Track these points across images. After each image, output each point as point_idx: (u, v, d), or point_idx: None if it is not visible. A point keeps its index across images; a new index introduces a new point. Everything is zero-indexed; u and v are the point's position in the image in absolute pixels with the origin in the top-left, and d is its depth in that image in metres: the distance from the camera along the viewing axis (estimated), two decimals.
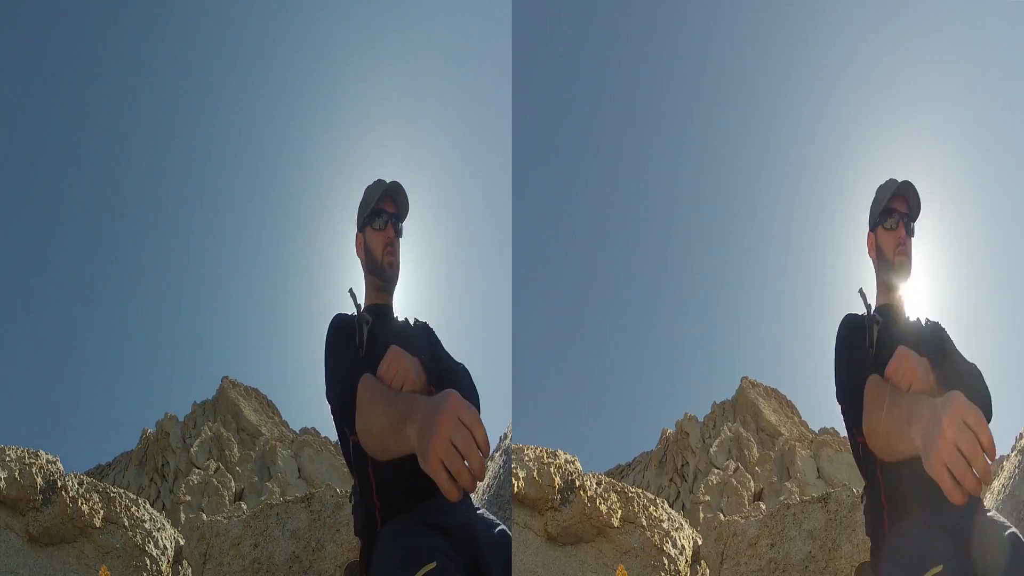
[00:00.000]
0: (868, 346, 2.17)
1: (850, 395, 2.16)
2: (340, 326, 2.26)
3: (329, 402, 2.20)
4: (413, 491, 2.04)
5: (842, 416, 2.24)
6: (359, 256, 2.37)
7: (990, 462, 1.64)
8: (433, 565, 1.84)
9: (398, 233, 2.35)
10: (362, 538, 2.15)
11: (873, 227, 2.35)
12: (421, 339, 2.30)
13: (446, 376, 2.16)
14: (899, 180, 2.30)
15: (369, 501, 2.12)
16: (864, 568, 2.20)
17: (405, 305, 2.45)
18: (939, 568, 1.87)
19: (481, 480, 1.59)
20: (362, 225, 2.36)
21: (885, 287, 2.35)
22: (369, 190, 2.39)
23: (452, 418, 1.58)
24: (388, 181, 2.36)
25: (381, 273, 2.34)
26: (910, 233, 2.31)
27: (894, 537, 2.04)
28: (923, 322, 2.32)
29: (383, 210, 2.33)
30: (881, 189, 2.36)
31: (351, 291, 2.27)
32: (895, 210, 2.29)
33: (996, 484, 4.61)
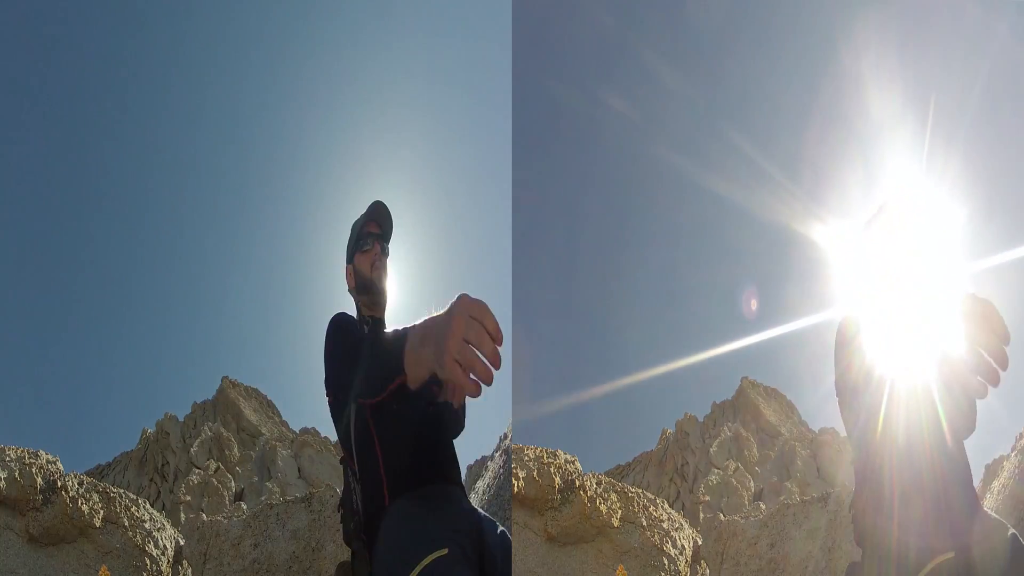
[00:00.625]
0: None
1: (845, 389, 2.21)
2: (340, 323, 2.33)
3: (327, 395, 2.26)
4: (420, 469, 2.07)
5: (840, 412, 2.27)
6: (349, 285, 2.50)
7: (498, 346, 1.67)
8: (444, 551, 1.85)
9: (384, 252, 2.49)
10: (358, 536, 2.13)
11: None
12: None
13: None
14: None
15: (376, 476, 2.12)
16: (854, 568, 2.19)
17: (405, 306, 2.49)
18: (951, 555, 1.89)
19: (497, 368, 1.63)
20: (351, 255, 2.50)
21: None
22: (355, 224, 2.54)
23: (463, 317, 1.63)
24: (374, 200, 2.53)
25: (371, 288, 2.45)
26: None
27: (895, 529, 2.04)
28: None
29: (369, 232, 2.49)
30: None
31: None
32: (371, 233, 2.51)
33: (996, 484, 4.62)
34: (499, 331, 1.63)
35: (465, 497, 2.11)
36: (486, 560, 1.98)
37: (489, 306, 1.66)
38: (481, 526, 2.03)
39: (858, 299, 2.33)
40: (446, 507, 2.03)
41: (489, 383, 1.64)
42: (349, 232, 2.53)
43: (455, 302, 1.67)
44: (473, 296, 1.65)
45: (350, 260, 2.51)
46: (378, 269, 2.46)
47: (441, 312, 1.76)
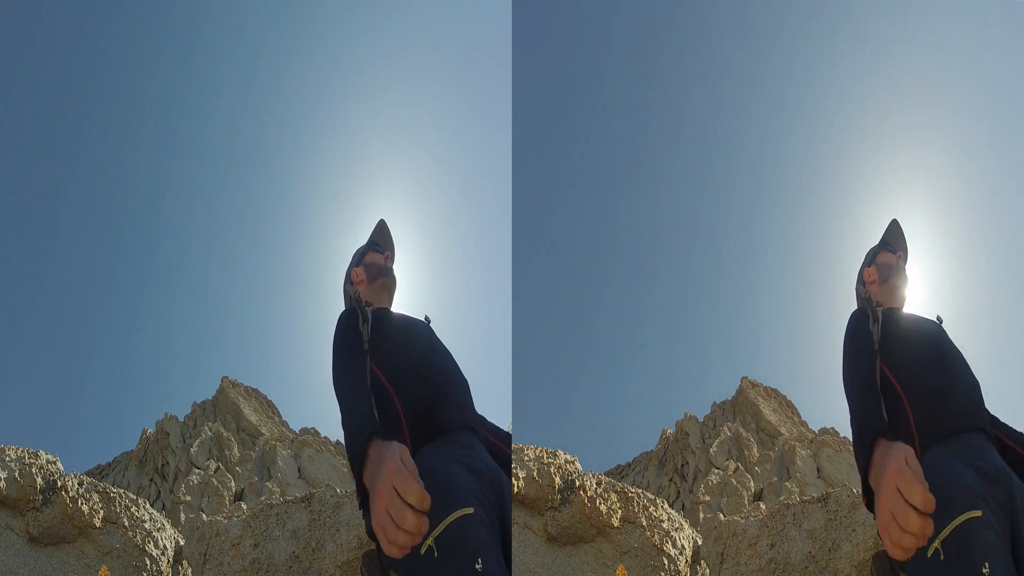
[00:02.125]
0: (872, 323, 2.29)
1: (856, 376, 2.23)
2: (348, 320, 2.36)
3: (335, 390, 2.28)
4: (439, 424, 2.11)
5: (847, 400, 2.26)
6: (357, 280, 2.58)
7: (924, 517, 1.64)
8: (471, 511, 1.86)
9: (392, 259, 2.65)
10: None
11: (871, 260, 2.62)
12: (424, 333, 2.41)
13: (438, 384, 2.22)
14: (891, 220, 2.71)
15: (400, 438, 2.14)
16: (880, 556, 2.18)
17: (405, 306, 2.53)
18: (978, 513, 1.84)
19: (417, 541, 1.70)
20: (359, 258, 2.62)
21: (888, 294, 2.52)
22: (360, 248, 2.70)
23: (387, 488, 1.71)
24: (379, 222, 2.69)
25: (386, 272, 2.59)
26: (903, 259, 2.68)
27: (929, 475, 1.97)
28: (935, 318, 2.43)
29: (377, 243, 2.67)
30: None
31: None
32: (889, 242, 2.67)
33: None
34: (423, 499, 1.67)
35: (483, 449, 2.14)
36: (504, 506, 2.02)
37: (409, 476, 1.69)
38: (501, 477, 2.07)
39: (868, 305, 2.41)
40: (469, 461, 2.03)
41: (403, 555, 1.71)
42: (347, 236, 2.64)
43: (382, 466, 1.73)
44: (394, 469, 1.71)
45: (358, 263, 2.60)
46: (390, 260, 2.60)
47: (377, 448, 1.81)
